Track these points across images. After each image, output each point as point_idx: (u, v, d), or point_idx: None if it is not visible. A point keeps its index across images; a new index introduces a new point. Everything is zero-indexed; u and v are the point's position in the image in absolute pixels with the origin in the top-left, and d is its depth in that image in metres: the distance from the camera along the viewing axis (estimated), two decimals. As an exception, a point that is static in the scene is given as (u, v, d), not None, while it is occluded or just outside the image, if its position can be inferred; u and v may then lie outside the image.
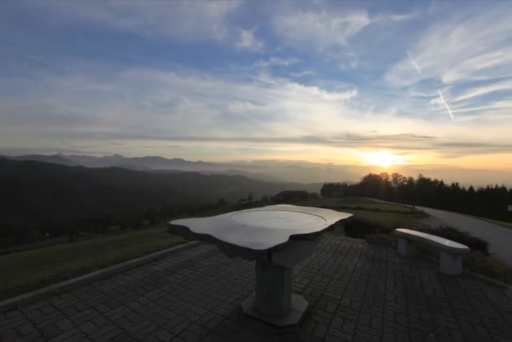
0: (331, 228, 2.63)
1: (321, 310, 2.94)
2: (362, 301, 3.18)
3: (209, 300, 3.15)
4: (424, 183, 68.40)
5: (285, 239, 2.02)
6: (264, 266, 2.70)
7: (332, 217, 3.07)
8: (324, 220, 2.92)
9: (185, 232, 2.46)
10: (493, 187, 51.91)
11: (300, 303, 2.97)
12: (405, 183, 73.95)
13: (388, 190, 64.33)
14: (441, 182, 65.68)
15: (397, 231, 5.22)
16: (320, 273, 4.10)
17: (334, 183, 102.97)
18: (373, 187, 70.77)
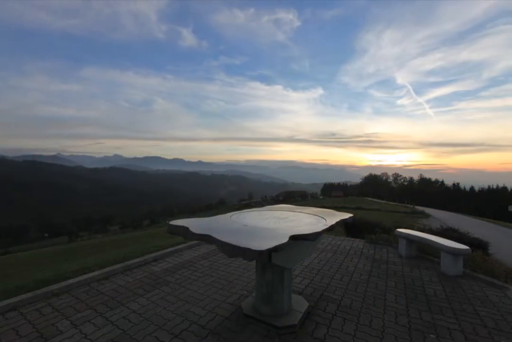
0: (331, 228, 2.62)
1: (321, 310, 2.93)
2: (362, 301, 3.17)
3: (209, 301, 3.14)
4: (424, 183, 68.41)
5: (285, 239, 2.00)
6: (264, 266, 2.69)
7: (332, 217, 3.06)
8: (324, 220, 2.90)
9: (185, 232, 2.45)
10: (494, 187, 51.90)
11: (300, 304, 2.95)
12: (406, 183, 73.96)
13: (388, 190, 64.32)
14: (442, 182, 65.73)
15: (397, 231, 5.20)
16: (320, 273, 4.08)
17: (334, 183, 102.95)
18: (373, 187, 70.76)
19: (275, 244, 1.90)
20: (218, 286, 3.56)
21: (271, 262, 2.27)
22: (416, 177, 73.24)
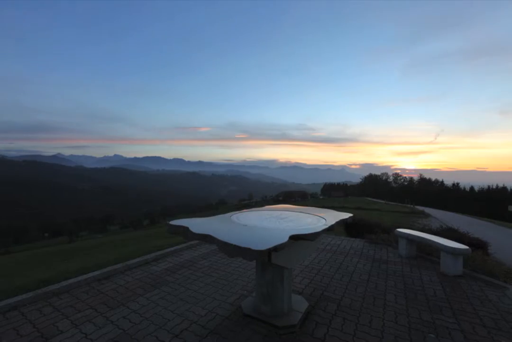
0: (331, 228, 2.63)
1: (321, 310, 2.93)
2: (362, 301, 3.17)
3: (209, 300, 3.14)
4: (424, 183, 68.46)
5: (285, 239, 2.01)
6: (264, 266, 2.69)
7: (332, 217, 3.07)
8: (324, 220, 2.91)
9: (185, 232, 2.45)
10: (494, 187, 51.92)
11: (300, 304, 2.96)
12: (406, 183, 73.99)
13: (388, 190, 64.39)
14: (442, 182, 65.79)
15: (397, 231, 5.21)
16: (320, 273, 4.09)
17: (334, 183, 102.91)
18: (373, 187, 70.80)
19: (275, 243, 1.90)
20: (218, 286, 3.56)
21: (271, 262, 2.27)
22: (416, 177, 73.40)
